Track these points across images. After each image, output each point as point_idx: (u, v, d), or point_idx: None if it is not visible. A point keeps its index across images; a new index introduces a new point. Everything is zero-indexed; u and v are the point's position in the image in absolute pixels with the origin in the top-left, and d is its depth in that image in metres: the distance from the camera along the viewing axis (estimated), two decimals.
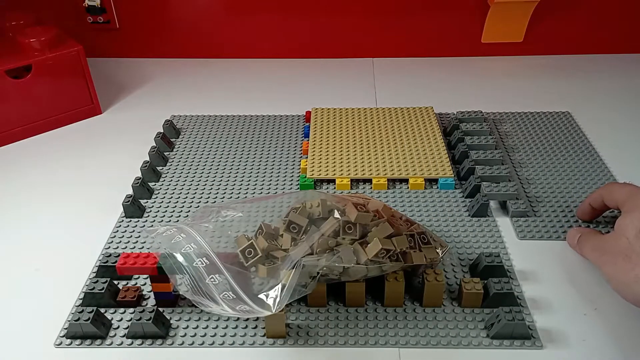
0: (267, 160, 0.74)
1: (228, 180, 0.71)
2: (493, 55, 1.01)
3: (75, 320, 0.48)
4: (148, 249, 0.60)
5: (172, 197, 0.68)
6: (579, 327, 0.50)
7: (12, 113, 0.78)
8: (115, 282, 0.55)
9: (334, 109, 0.83)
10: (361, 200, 0.53)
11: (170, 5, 0.99)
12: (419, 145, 0.74)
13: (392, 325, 0.50)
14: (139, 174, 0.70)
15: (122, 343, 0.49)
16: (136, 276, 0.56)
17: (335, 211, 0.50)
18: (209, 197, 0.68)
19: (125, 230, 0.62)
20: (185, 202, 0.67)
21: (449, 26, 0.99)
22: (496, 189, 0.64)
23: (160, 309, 0.51)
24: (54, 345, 0.49)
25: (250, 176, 0.71)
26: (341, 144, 0.75)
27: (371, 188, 0.68)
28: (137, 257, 0.50)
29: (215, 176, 0.72)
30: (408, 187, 0.68)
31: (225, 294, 0.46)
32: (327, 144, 0.75)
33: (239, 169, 0.73)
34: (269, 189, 0.69)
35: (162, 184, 0.70)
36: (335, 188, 0.68)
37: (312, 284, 0.47)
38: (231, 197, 0.68)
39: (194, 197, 0.68)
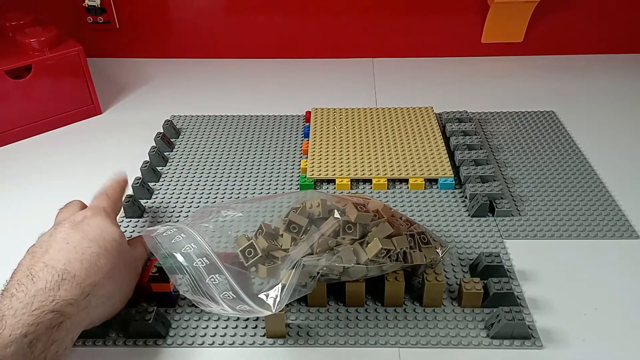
0: (267, 160, 0.74)
1: (228, 180, 0.71)
2: (493, 55, 1.01)
3: None
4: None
5: (172, 197, 0.68)
6: (579, 327, 0.50)
7: (12, 113, 0.78)
8: None
9: (334, 109, 0.83)
10: (361, 200, 0.53)
11: (170, 5, 0.99)
12: (419, 145, 0.74)
13: (392, 325, 0.50)
14: (139, 174, 0.70)
15: (122, 343, 0.49)
16: None
17: (335, 211, 0.50)
18: (209, 197, 0.68)
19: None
20: (185, 202, 0.67)
21: (448, 26, 0.99)
22: (481, 189, 0.64)
23: (160, 309, 0.51)
24: None
25: (250, 176, 0.71)
26: (341, 144, 0.75)
27: (371, 188, 0.68)
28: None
29: (215, 176, 0.72)
30: (408, 187, 0.68)
31: (226, 293, 0.46)
32: (327, 144, 0.75)
33: (239, 169, 0.73)
34: (269, 189, 0.69)
35: (162, 184, 0.70)
36: (335, 188, 0.68)
37: (312, 284, 0.47)
38: (231, 197, 0.68)
39: (194, 197, 0.68)
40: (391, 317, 0.51)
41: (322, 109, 0.83)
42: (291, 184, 0.70)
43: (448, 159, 0.71)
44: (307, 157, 0.73)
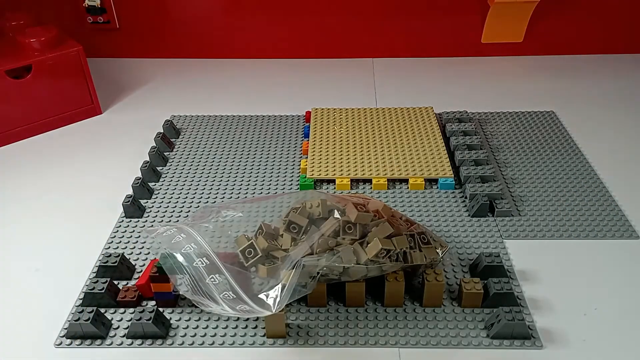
0: (267, 160, 0.74)
1: (228, 180, 0.71)
2: (493, 55, 1.01)
3: (75, 320, 0.48)
4: (148, 248, 0.60)
5: (172, 197, 0.68)
6: (579, 327, 0.50)
7: (12, 113, 0.78)
8: (115, 282, 0.55)
9: (334, 109, 0.83)
10: (361, 200, 0.53)
11: (170, 5, 0.99)
12: (418, 145, 0.74)
13: (392, 325, 0.50)
14: (139, 174, 0.70)
15: (122, 343, 0.49)
16: (136, 276, 0.56)
17: (335, 211, 0.50)
18: (209, 197, 0.68)
19: (125, 231, 0.62)
20: (185, 202, 0.67)
21: (449, 26, 0.99)
22: (481, 189, 0.64)
23: (160, 309, 0.51)
24: (54, 346, 0.49)
25: (250, 176, 0.71)
26: (341, 144, 0.75)
27: (371, 188, 0.68)
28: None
29: (215, 176, 0.72)
30: (408, 187, 0.68)
31: (226, 293, 0.46)
32: (327, 144, 0.75)
33: (239, 169, 0.73)
34: (269, 189, 0.69)
35: (162, 184, 0.70)
36: (335, 188, 0.68)
37: (312, 284, 0.47)
38: (231, 197, 0.68)
39: (194, 197, 0.68)
40: (391, 317, 0.51)
41: (322, 109, 0.83)
42: (291, 184, 0.70)
43: (448, 159, 0.71)
44: (307, 157, 0.73)
